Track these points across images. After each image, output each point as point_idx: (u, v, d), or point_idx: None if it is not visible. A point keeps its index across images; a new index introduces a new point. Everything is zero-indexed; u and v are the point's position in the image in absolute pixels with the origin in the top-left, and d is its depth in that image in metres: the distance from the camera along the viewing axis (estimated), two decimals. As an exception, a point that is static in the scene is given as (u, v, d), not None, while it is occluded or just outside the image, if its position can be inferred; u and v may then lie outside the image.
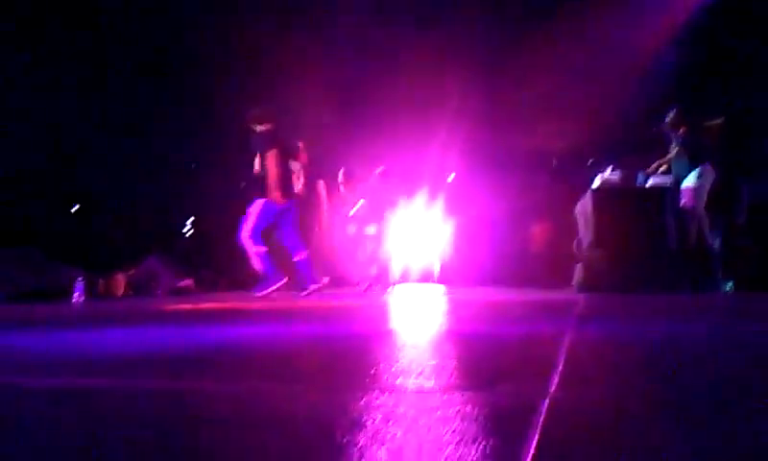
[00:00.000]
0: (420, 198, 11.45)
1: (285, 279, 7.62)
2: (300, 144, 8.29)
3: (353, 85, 11.77)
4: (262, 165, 7.63)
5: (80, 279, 8.68)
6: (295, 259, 7.87)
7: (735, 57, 10.46)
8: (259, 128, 7.73)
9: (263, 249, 7.61)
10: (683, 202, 7.39)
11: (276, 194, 7.53)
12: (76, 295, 8.60)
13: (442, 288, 10.52)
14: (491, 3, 10.61)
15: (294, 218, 7.82)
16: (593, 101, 10.86)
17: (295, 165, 8.04)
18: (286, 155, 7.82)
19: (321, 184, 8.84)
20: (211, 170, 12.90)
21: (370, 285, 9.51)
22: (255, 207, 7.62)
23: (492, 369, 2.18)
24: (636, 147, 9.58)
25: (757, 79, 10.61)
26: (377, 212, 9.67)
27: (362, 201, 9.91)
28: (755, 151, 10.35)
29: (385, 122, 11.57)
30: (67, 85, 11.20)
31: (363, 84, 11.65)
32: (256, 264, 7.60)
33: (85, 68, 11.13)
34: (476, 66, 11.37)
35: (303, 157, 8.25)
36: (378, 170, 9.82)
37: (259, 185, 7.66)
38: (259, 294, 7.57)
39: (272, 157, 7.51)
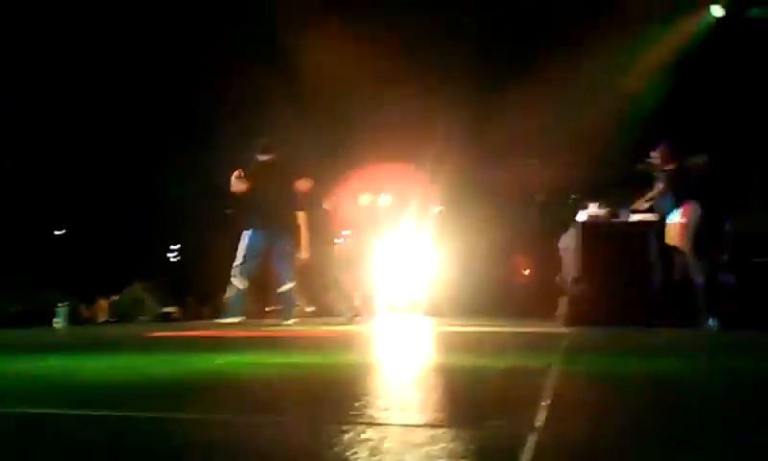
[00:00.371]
0: (408, 228, 11.46)
1: (240, 320, 7.52)
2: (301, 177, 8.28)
3: (343, 116, 11.82)
4: (266, 192, 7.61)
5: (62, 304, 8.59)
6: (282, 289, 7.82)
7: (718, 94, 10.62)
8: (264, 158, 7.72)
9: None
10: (668, 238, 7.44)
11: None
12: (58, 321, 8.51)
13: (428, 319, 10.49)
14: (480, 38, 10.72)
15: (286, 247, 7.76)
16: (579, 136, 10.97)
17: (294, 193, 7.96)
18: (287, 183, 7.77)
19: (300, 216, 8.73)
20: (197, 197, 12.86)
21: (355, 315, 9.46)
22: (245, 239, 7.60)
23: (478, 403, 2.17)
24: (620, 183, 9.66)
25: (740, 116, 10.76)
26: (364, 239, 9.65)
27: (348, 230, 9.90)
28: (738, 187, 10.47)
29: (373, 152, 11.61)
30: (52, 111, 11.17)
31: (352, 114, 11.70)
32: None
33: (73, 94, 11.10)
34: (465, 99, 11.45)
35: (304, 185, 8.20)
36: (364, 198, 9.81)
37: (244, 213, 7.67)
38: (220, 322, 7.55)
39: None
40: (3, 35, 9.81)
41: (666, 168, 7.57)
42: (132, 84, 11.25)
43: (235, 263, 7.61)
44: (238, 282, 7.58)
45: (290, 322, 7.69)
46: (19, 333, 7.07)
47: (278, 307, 7.96)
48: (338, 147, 11.85)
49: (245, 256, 7.57)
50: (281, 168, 7.75)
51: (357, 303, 9.57)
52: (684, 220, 7.28)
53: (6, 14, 9.71)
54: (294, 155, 8.43)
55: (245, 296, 7.73)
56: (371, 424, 1.73)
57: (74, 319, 9.17)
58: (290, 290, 7.80)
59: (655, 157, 7.77)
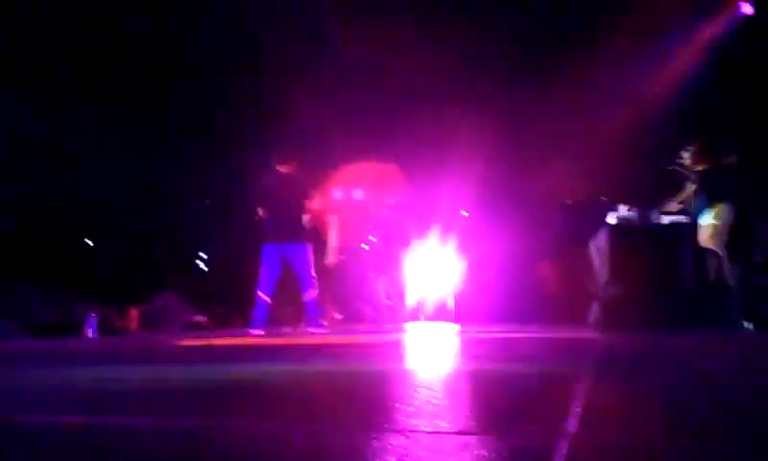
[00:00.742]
0: (434, 234, 11.42)
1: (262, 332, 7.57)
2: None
3: (368, 121, 11.83)
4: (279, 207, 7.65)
5: (93, 314, 8.70)
6: (306, 297, 7.82)
7: (749, 94, 10.44)
8: (281, 169, 7.78)
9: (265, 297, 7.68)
10: (701, 239, 7.32)
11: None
12: (89, 330, 8.61)
13: (456, 326, 10.44)
14: (507, 39, 10.65)
15: (307, 258, 7.76)
16: (608, 138, 10.86)
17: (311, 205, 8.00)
18: (302, 195, 7.79)
19: (333, 219, 8.74)
20: (226, 206, 12.96)
21: (384, 322, 9.45)
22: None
23: (508, 409, 2.14)
24: (650, 184, 9.53)
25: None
26: (391, 247, 9.62)
27: (375, 237, 9.90)
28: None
29: (399, 158, 11.60)
30: (81, 118, 11.33)
31: (378, 120, 11.71)
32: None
33: (100, 101, 11.27)
34: (491, 104, 11.40)
35: (318, 197, 8.25)
36: (390, 201, 9.77)
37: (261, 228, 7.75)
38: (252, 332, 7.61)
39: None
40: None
41: (698, 168, 7.46)
42: (161, 92, 11.38)
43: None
44: (262, 295, 7.63)
45: (317, 330, 7.70)
46: (51, 344, 7.16)
47: (306, 316, 7.96)
48: (367, 154, 11.86)
49: (264, 270, 7.64)
50: (297, 179, 7.80)
51: (386, 310, 9.56)
52: (716, 221, 7.17)
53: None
54: (310, 166, 8.45)
55: (268, 308, 7.74)
56: (400, 432, 1.71)
57: (105, 329, 9.28)
58: (314, 298, 7.81)
59: (686, 157, 7.67)
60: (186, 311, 10.63)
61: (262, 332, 7.49)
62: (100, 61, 10.83)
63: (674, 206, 7.79)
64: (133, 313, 10.69)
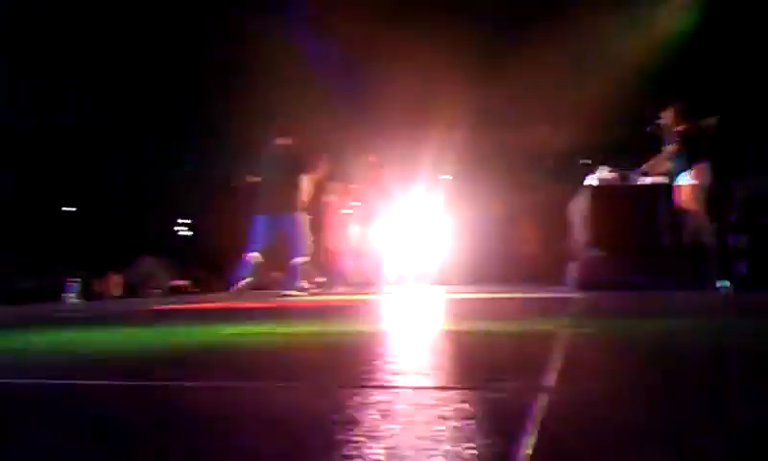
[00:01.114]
0: (416, 197, 11.43)
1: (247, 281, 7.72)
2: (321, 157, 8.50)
3: (351, 85, 11.75)
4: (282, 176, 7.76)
5: (74, 279, 8.65)
6: (294, 261, 7.89)
7: (728, 57, 10.48)
8: (281, 141, 7.95)
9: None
10: (678, 200, 7.39)
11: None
12: (70, 295, 8.57)
13: (438, 287, 10.51)
14: (488, 4, 10.57)
15: (299, 227, 7.86)
16: (588, 101, 10.86)
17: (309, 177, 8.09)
18: (298, 169, 7.93)
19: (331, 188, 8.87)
20: (208, 171, 12.87)
21: (364, 283, 9.49)
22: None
23: (488, 366, 2.17)
24: (630, 146, 9.58)
25: (750, 79, 10.63)
26: (373, 207, 9.60)
27: (358, 202, 9.88)
28: (748, 149, 10.38)
29: (381, 122, 11.55)
30: (66, 92, 11.16)
31: (360, 84, 11.64)
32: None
33: (87, 72, 11.09)
34: (472, 66, 11.35)
35: (321, 168, 8.41)
36: (370, 159, 9.72)
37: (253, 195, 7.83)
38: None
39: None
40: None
41: (678, 129, 7.50)
42: (139, 65, 11.20)
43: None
44: (253, 261, 7.77)
45: (296, 292, 7.75)
46: (32, 309, 7.12)
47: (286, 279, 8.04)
48: (350, 118, 11.79)
49: (254, 237, 7.78)
50: (295, 154, 7.93)
51: (367, 270, 9.60)
52: (695, 182, 7.22)
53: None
54: (309, 141, 8.55)
55: (253, 268, 7.85)
56: (381, 387, 1.73)
57: (86, 294, 9.24)
58: (299, 263, 7.86)
59: (665, 117, 7.70)
60: (168, 276, 10.59)
61: (244, 282, 7.62)
62: (86, 31, 10.63)
63: (658, 166, 7.82)
64: (115, 278, 10.64)
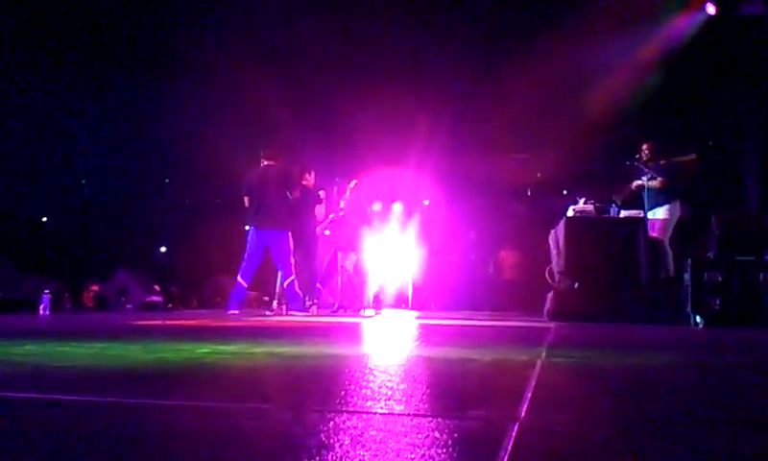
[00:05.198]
0: (395, 221, 11.43)
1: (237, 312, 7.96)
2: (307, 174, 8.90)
3: (331, 110, 11.79)
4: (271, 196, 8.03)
5: (47, 291, 8.53)
6: (284, 284, 8.18)
7: (707, 93, 10.66)
8: (267, 162, 8.22)
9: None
10: (654, 234, 7.48)
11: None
12: (42, 307, 8.44)
13: (414, 312, 10.49)
14: (469, 30, 10.66)
15: (286, 245, 8.11)
16: (568, 132, 10.98)
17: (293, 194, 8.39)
18: (285, 188, 8.23)
19: (318, 209, 9.04)
20: (185, 187, 12.81)
21: (342, 306, 9.47)
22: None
23: (461, 394, 2.17)
24: (609, 179, 9.70)
25: (727, 116, 10.82)
26: (352, 231, 9.58)
27: (332, 215, 9.87)
28: (725, 185, 10.54)
29: (360, 145, 11.57)
30: (41, 98, 11.07)
31: (340, 107, 11.69)
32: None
33: (61, 80, 11.00)
34: (453, 92, 11.44)
35: (302, 185, 8.75)
36: (351, 184, 9.75)
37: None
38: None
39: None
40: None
41: (658, 162, 7.61)
42: (122, 63, 11.14)
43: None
44: (241, 280, 8.09)
45: (299, 312, 8.02)
46: (2, 320, 7.02)
47: (287, 300, 8.33)
48: (329, 142, 11.83)
49: (248, 256, 8.09)
50: (281, 174, 8.25)
51: (344, 293, 9.58)
52: (670, 217, 7.32)
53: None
54: (294, 161, 9.03)
55: (245, 291, 8.30)
56: (354, 413, 1.72)
57: (59, 306, 9.11)
58: (292, 283, 8.09)
59: (644, 151, 7.81)
60: (142, 291, 10.48)
61: (237, 312, 7.87)
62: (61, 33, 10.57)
63: (629, 196, 7.91)
64: (89, 291, 10.51)
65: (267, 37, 10.69)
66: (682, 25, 10.37)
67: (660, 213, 7.43)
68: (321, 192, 9.27)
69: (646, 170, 8.03)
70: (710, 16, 10.09)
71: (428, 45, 10.81)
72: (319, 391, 2.20)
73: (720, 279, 6.85)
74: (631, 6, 9.87)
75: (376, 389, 2.16)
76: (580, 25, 9.70)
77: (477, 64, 11.06)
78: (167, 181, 13.48)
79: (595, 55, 10.27)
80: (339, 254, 9.71)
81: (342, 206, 9.76)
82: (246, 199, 8.09)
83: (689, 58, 10.31)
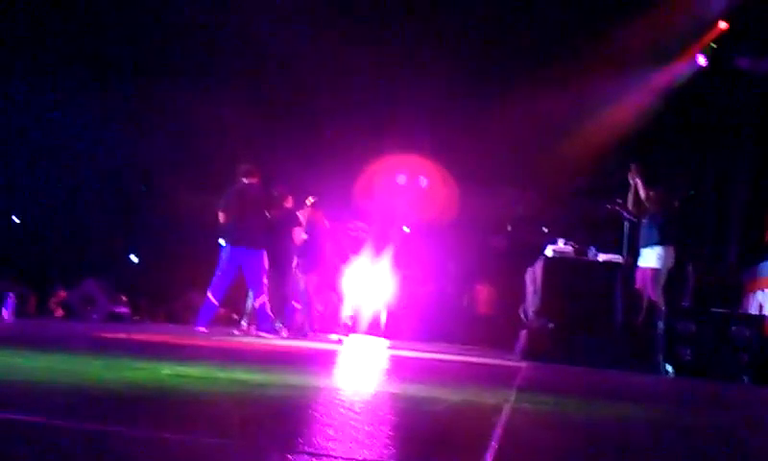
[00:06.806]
0: (372, 248, 11.36)
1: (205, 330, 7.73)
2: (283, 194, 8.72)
3: (311, 135, 11.78)
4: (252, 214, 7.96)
5: (11, 294, 8.32)
6: (255, 304, 8.04)
7: (693, 141, 10.73)
8: (246, 181, 8.09)
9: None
10: (638, 280, 7.43)
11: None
12: (6, 310, 8.22)
13: (386, 341, 10.40)
14: (453, 64, 10.70)
15: (260, 265, 7.98)
16: (552, 171, 11.03)
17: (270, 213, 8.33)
18: (263, 206, 8.17)
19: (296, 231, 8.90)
20: (159, 197, 12.67)
21: (312, 329, 9.31)
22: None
23: (425, 441, 2.11)
24: (589, 223, 9.74)
25: (711, 165, 10.90)
26: (315, 253, 9.43)
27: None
28: (706, 233, 10.59)
29: (338, 172, 11.50)
30: (12, 99, 10.93)
31: (319, 132, 11.73)
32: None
33: (34, 84, 10.88)
34: (436, 124, 11.47)
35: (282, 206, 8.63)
36: (309, 200, 9.49)
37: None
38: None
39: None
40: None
41: (642, 209, 7.58)
42: (96, 73, 11.02)
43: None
44: (211, 296, 7.86)
45: (268, 334, 7.81)
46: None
47: (257, 320, 8.14)
48: (307, 168, 11.78)
49: (220, 273, 7.88)
50: (262, 193, 8.22)
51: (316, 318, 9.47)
52: (658, 265, 7.26)
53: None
54: (272, 180, 8.85)
55: (215, 309, 8.04)
56: (315, 455, 1.66)
57: (23, 310, 8.89)
58: (263, 304, 7.95)
59: (628, 198, 7.78)
60: (108, 301, 10.25)
61: (205, 330, 7.61)
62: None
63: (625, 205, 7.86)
64: (56, 297, 10.29)
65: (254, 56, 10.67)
66: (671, 74, 10.50)
67: (651, 259, 7.33)
68: (309, 199, 9.16)
69: (626, 214, 8.04)
70: (701, 68, 10.23)
71: (411, 77, 10.84)
72: (282, 427, 2.13)
73: (693, 329, 6.85)
74: (623, 52, 9.97)
75: (340, 429, 2.09)
76: (570, 66, 9.78)
77: (461, 96, 11.10)
78: (144, 189, 13.31)
79: (584, 97, 10.35)
80: (301, 276, 9.44)
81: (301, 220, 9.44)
82: (221, 214, 7.94)
83: (676, 106, 10.43)
